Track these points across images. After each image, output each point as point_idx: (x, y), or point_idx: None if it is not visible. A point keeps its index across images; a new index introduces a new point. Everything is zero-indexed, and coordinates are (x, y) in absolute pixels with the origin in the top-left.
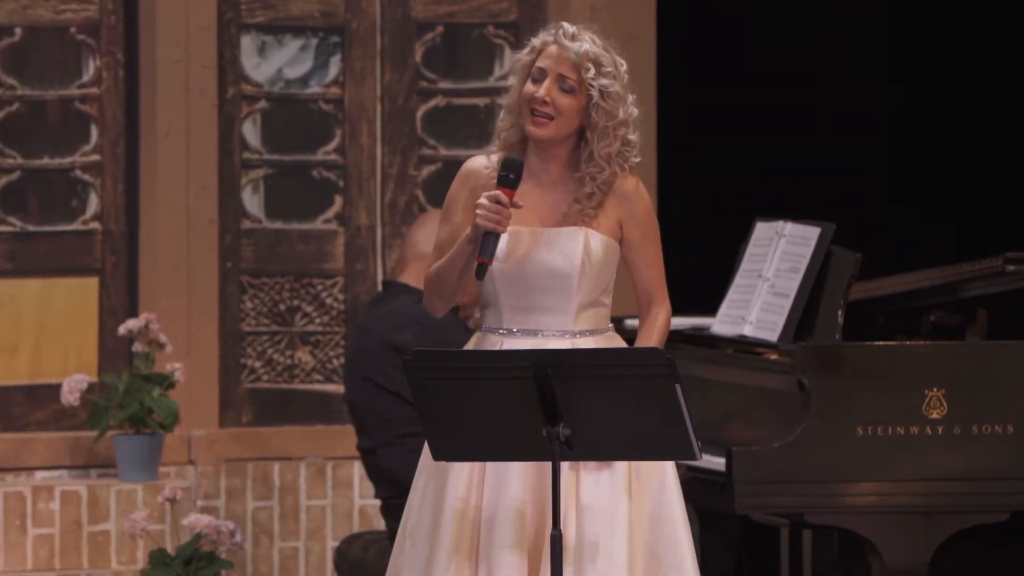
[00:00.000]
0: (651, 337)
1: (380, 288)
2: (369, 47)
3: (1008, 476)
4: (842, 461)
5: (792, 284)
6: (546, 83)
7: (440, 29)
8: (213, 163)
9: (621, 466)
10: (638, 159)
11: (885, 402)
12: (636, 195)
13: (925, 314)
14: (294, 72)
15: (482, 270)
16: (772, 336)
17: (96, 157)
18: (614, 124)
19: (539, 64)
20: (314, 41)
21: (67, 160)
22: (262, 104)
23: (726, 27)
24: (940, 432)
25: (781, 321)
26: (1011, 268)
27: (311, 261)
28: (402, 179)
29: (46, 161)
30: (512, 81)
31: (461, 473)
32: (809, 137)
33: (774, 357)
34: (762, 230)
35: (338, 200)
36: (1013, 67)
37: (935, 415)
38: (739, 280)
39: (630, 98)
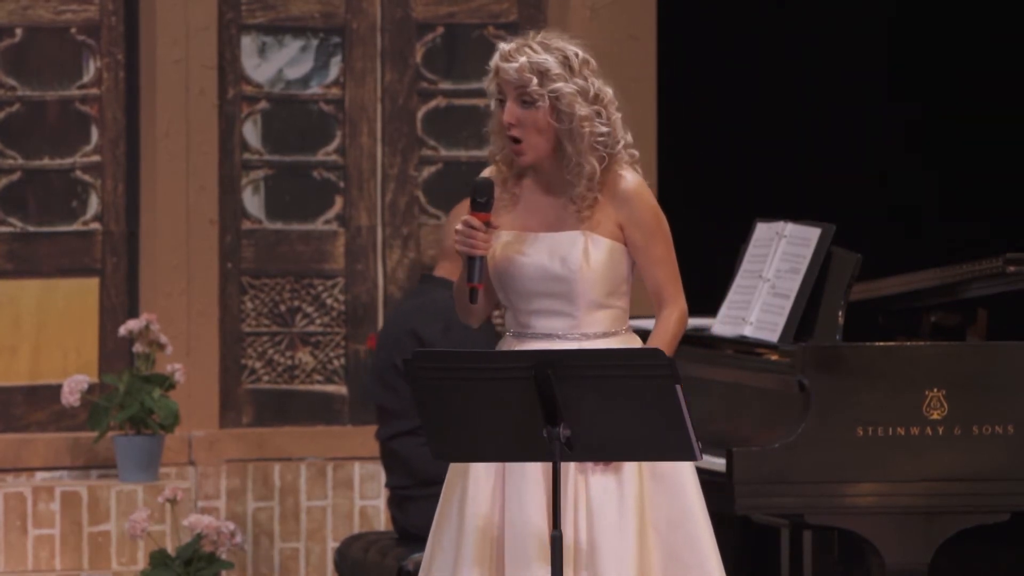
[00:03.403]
0: (660, 338)
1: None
2: (369, 48)
3: (1008, 476)
4: (842, 461)
5: (792, 285)
6: (508, 105)
7: (440, 29)
8: (213, 163)
9: (630, 468)
10: (628, 145)
11: (885, 402)
12: (635, 195)
13: (925, 314)
14: (294, 73)
15: (474, 294)
16: (772, 337)
17: (96, 158)
18: (577, 122)
19: (499, 86)
20: (314, 42)
21: (67, 161)
22: (262, 105)
23: (726, 28)
24: (940, 432)
25: (781, 322)
26: (1011, 268)
27: (311, 262)
28: (402, 179)
29: (46, 162)
30: (493, 107)
31: (480, 488)
32: (809, 137)
33: (774, 358)
34: (762, 231)
35: (338, 201)
36: (1013, 66)
37: (935, 415)
38: (739, 281)
39: (594, 85)
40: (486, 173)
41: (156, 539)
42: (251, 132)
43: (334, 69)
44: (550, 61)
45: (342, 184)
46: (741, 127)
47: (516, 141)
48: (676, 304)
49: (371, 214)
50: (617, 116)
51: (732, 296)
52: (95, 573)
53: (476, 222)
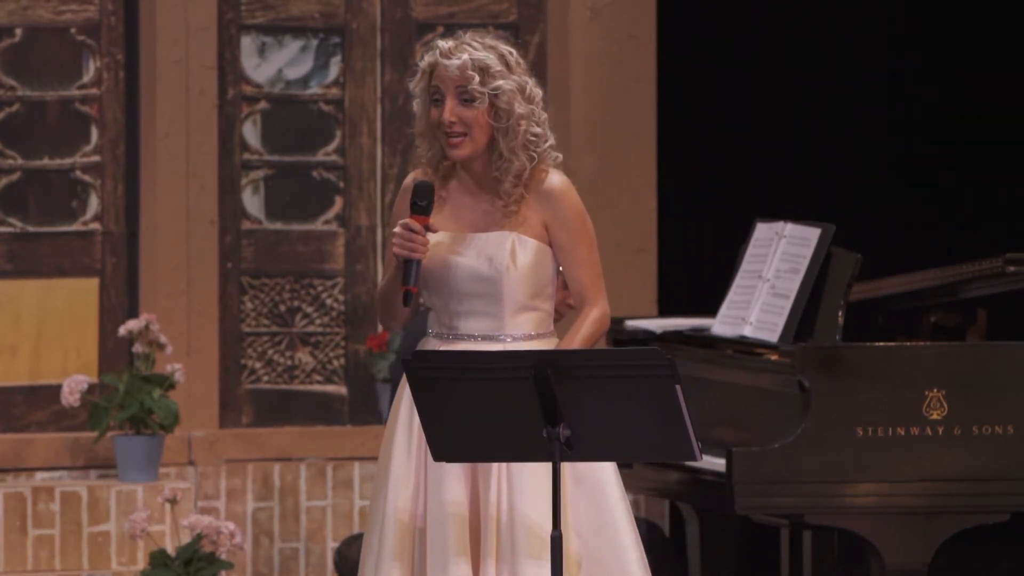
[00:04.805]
0: (576, 334)
1: None
2: (369, 48)
3: (1008, 476)
4: (842, 462)
5: (792, 285)
6: (447, 103)
7: (440, 30)
8: (213, 163)
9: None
10: (552, 147)
11: (885, 403)
12: (561, 196)
13: (925, 315)
14: (294, 73)
15: (408, 297)
16: (772, 337)
17: (96, 158)
18: (515, 119)
19: (434, 85)
20: (314, 42)
21: (67, 161)
22: (262, 105)
23: (726, 27)
24: (940, 432)
25: (781, 322)
26: (1011, 269)
27: (311, 262)
28: (402, 180)
29: (46, 162)
30: (417, 108)
31: (401, 482)
32: (809, 137)
33: (774, 358)
34: (762, 231)
35: (338, 201)
36: (1013, 66)
37: (935, 416)
38: (739, 281)
39: (529, 84)
40: (410, 176)
41: (156, 539)
42: (251, 132)
43: (334, 69)
44: (491, 58)
45: (342, 184)
46: (741, 127)
47: (454, 136)
48: (598, 305)
49: (371, 214)
50: (545, 116)
51: (732, 296)
52: (95, 573)
53: (416, 225)
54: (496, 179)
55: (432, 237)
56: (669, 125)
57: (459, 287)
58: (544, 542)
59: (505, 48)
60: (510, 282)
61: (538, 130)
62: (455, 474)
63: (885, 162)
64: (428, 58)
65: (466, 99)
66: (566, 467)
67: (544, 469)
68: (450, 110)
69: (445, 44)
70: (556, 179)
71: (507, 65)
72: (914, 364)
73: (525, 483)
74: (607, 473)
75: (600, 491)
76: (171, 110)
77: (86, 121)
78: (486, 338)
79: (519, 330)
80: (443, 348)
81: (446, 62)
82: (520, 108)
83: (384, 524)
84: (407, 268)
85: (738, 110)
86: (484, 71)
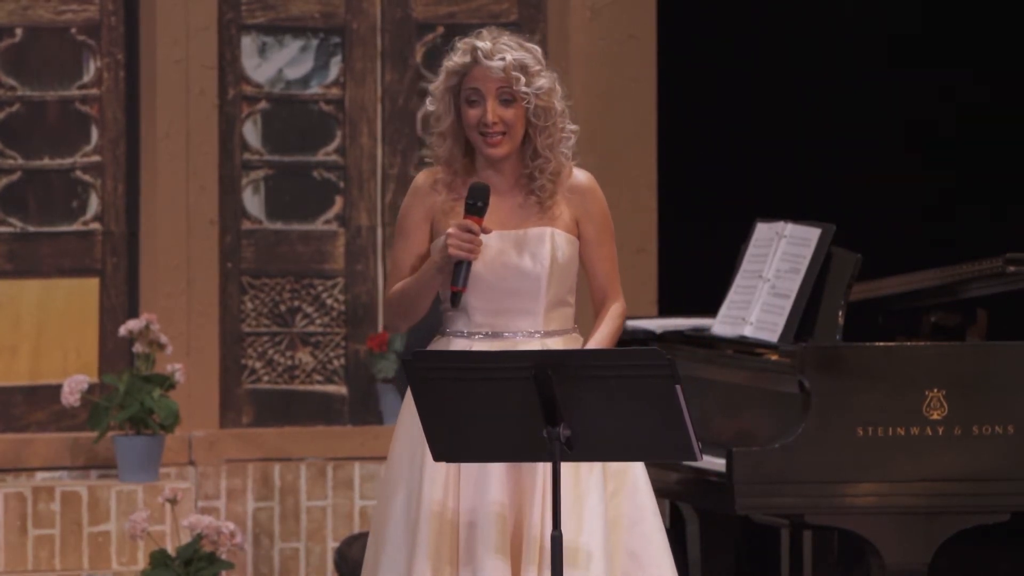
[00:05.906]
0: (606, 328)
1: None
2: (369, 48)
3: (1008, 476)
4: (842, 462)
5: (792, 285)
6: (489, 104)
7: (440, 30)
8: (213, 163)
9: (596, 467)
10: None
11: (885, 403)
12: (591, 192)
13: (925, 315)
14: (294, 73)
15: (457, 298)
16: (772, 337)
17: (96, 158)
18: (554, 117)
19: (470, 86)
20: (314, 42)
21: (67, 161)
22: (262, 105)
23: (726, 27)
24: (940, 433)
25: (781, 322)
26: (1011, 269)
27: (311, 262)
28: (402, 180)
29: (46, 162)
30: (434, 107)
31: (437, 477)
32: (810, 138)
33: (774, 358)
34: (762, 231)
35: (338, 201)
36: (1013, 66)
37: (935, 416)
38: (739, 281)
39: (555, 79)
40: (423, 176)
41: (156, 539)
42: (251, 132)
43: (334, 69)
44: (528, 58)
45: (342, 184)
46: (741, 127)
47: (495, 136)
48: (620, 300)
49: (371, 214)
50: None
51: (732, 296)
52: (95, 573)
53: (474, 226)
54: (529, 176)
55: None
56: (669, 125)
57: (504, 285)
58: (588, 554)
59: (529, 44)
60: (551, 278)
61: (573, 126)
62: (497, 476)
63: (885, 162)
64: (459, 59)
65: (506, 99)
66: (600, 463)
67: (583, 486)
68: (492, 111)
69: (484, 45)
70: (583, 175)
71: (539, 63)
72: (914, 364)
73: (567, 502)
74: (637, 467)
75: (632, 485)
76: (171, 110)
77: (86, 121)
78: (527, 335)
79: (551, 326)
80: (475, 348)
81: (489, 63)
82: (559, 105)
83: (420, 520)
84: (458, 269)
85: (738, 110)
86: (525, 70)
